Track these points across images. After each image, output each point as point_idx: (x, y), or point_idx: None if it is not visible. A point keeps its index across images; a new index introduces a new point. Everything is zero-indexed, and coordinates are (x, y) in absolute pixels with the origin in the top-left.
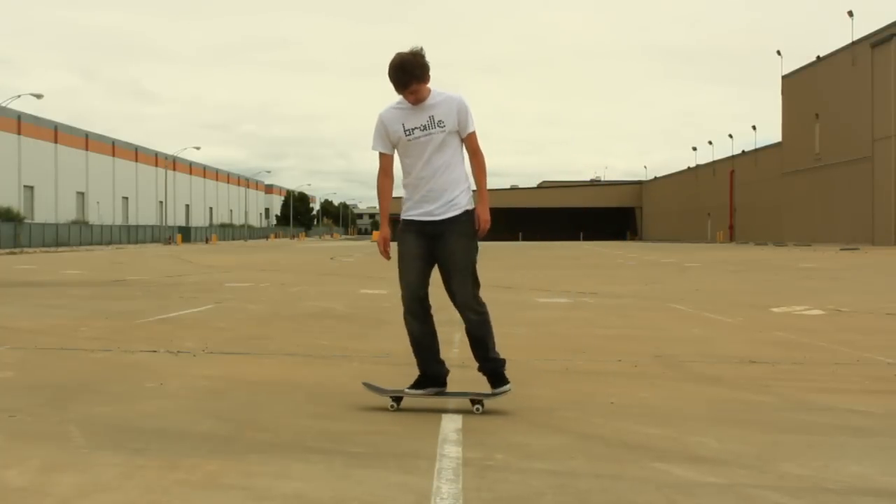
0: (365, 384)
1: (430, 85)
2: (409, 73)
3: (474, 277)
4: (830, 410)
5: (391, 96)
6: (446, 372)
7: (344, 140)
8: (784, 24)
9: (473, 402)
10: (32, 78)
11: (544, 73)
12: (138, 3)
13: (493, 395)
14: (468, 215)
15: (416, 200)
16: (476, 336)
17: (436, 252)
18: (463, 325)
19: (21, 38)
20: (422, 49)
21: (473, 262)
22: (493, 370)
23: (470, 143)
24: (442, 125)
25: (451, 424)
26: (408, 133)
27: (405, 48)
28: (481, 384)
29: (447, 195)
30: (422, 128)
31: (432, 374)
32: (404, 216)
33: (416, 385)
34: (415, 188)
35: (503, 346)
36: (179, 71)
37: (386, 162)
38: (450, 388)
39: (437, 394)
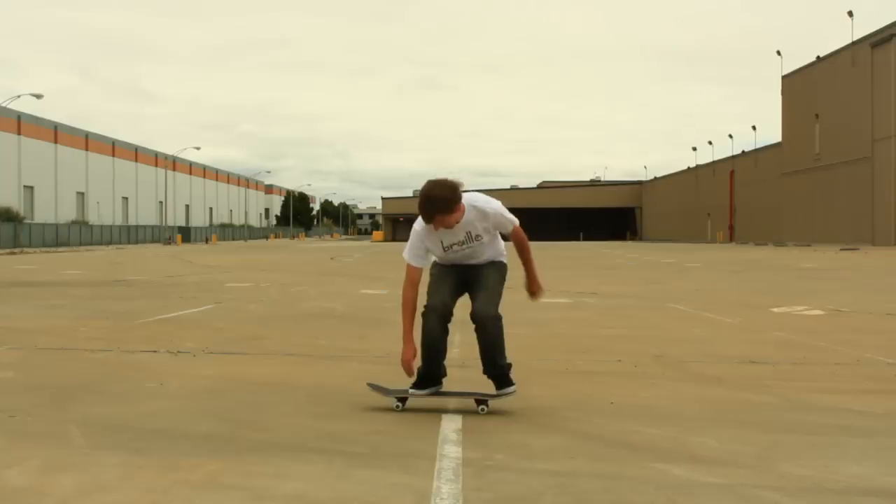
0: (370, 385)
1: (463, 202)
2: (433, 206)
3: (499, 298)
4: (830, 410)
5: (390, 96)
6: (445, 374)
7: (343, 140)
8: (784, 24)
9: (478, 402)
10: (31, 78)
11: (543, 73)
12: (137, 3)
13: (498, 395)
14: (503, 264)
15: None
16: (489, 344)
17: (469, 279)
18: (462, 326)
19: (19, 38)
20: (457, 183)
21: (501, 289)
22: (501, 374)
23: (514, 236)
24: (480, 238)
25: (451, 424)
26: (447, 248)
27: (402, 46)
28: (484, 384)
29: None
30: (460, 243)
31: (435, 376)
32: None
33: (418, 385)
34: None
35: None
36: (178, 71)
37: (416, 275)
38: (451, 387)
39: (439, 393)
